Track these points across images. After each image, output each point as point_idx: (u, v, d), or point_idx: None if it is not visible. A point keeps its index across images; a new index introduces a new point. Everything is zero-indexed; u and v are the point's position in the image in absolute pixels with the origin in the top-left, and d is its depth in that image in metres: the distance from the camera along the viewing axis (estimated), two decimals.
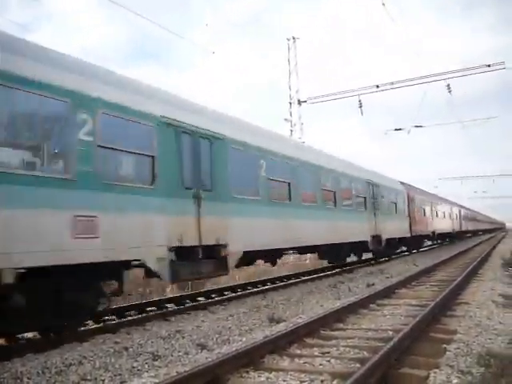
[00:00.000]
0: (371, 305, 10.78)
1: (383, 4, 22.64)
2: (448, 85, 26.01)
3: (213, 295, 13.64)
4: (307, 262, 27.61)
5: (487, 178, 79.84)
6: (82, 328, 9.76)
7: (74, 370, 6.73)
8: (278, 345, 6.97)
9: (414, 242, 31.55)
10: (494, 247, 37.60)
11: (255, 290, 14.84)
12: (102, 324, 10.13)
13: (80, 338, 8.41)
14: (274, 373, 5.89)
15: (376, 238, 22.48)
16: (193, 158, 10.75)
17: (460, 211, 57.70)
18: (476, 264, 19.33)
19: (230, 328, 9.29)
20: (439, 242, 44.65)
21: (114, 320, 10.58)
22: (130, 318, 10.75)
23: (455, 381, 5.29)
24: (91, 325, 10.12)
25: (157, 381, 5.60)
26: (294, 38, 30.87)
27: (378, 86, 26.46)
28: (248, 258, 13.20)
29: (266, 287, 15.63)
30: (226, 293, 14.06)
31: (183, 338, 8.51)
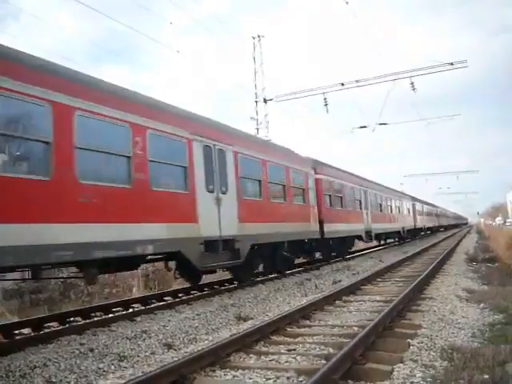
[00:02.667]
0: (337, 301, 10.89)
1: (347, 2, 22.78)
2: (412, 83, 26.26)
3: (179, 294, 13.55)
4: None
5: (451, 174, 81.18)
6: (47, 330, 9.64)
7: (38, 372, 6.62)
8: (245, 343, 6.99)
9: (415, 232, 49.42)
10: (459, 242, 38.37)
11: (222, 288, 14.79)
12: (67, 325, 9.97)
13: (44, 340, 8.27)
14: (240, 371, 5.91)
15: (403, 229, 40.69)
16: None
17: (437, 211, 75.59)
18: (441, 259, 19.73)
19: (196, 327, 9.27)
20: (423, 233, 58.16)
21: (79, 321, 10.43)
22: (95, 318, 10.60)
23: (419, 374, 5.38)
24: (56, 326, 9.97)
25: (122, 381, 5.55)
26: (259, 37, 30.62)
27: (343, 84, 26.55)
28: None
29: (233, 285, 15.60)
30: (192, 292, 13.98)
31: (149, 338, 8.44)
